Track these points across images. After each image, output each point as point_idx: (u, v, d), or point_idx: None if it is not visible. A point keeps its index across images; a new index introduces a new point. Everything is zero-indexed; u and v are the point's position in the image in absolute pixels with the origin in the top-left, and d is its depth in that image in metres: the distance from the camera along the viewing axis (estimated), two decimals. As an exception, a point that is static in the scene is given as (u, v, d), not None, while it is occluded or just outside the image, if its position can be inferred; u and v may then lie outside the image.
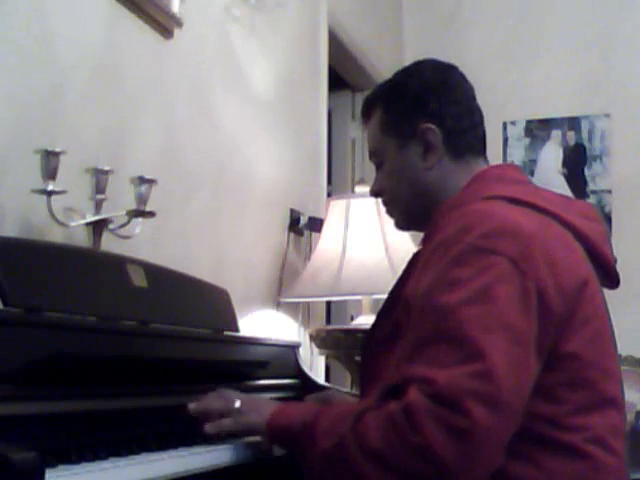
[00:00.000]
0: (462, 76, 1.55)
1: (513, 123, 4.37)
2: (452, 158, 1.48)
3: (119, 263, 1.56)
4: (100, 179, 1.74)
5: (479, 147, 1.52)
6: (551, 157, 4.34)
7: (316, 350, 2.91)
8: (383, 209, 1.56)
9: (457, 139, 1.48)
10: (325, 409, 1.36)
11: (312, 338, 2.84)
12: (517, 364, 1.20)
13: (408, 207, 1.53)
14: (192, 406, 1.41)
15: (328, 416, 1.32)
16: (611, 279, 1.47)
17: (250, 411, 1.41)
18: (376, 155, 1.56)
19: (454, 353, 1.20)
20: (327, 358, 3.16)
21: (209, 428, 1.38)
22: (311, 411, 1.35)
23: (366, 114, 1.57)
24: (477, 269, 1.24)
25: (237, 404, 1.41)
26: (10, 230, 1.61)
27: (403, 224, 1.58)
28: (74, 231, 1.73)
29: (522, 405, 1.21)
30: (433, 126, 1.47)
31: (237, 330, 1.94)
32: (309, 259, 2.91)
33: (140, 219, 1.80)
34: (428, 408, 1.17)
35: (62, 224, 1.67)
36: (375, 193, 1.58)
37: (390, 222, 1.61)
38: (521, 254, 1.26)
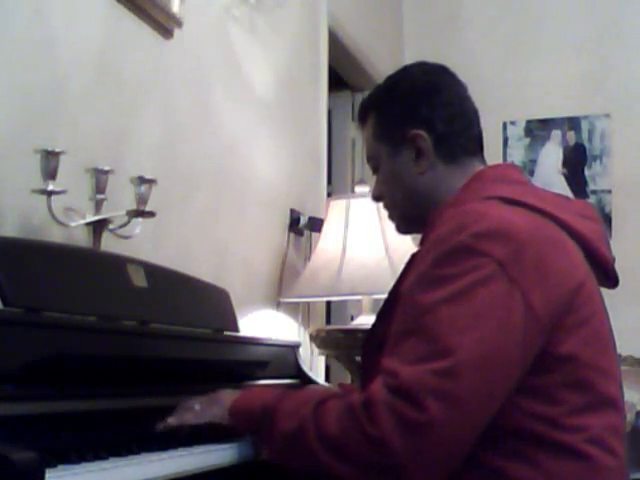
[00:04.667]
0: (452, 77, 1.54)
1: (513, 123, 4.37)
2: (445, 162, 1.48)
3: (119, 263, 1.56)
4: (100, 179, 1.74)
5: (474, 148, 1.51)
6: (551, 157, 4.34)
7: (316, 350, 2.91)
8: (384, 211, 1.56)
9: (449, 142, 1.48)
10: (290, 392, 1.38)
11: (312, 338, 2.84)
12: (486, 366, 1.20)
13: (405, 211, 1.54)
14: (158, 427, 1.38)
15: (292, 399, 1.34)
16: (610, 279, 1.46)
17: (210, 405, 1.42)
18: (372, 160, 1.57)
19: (422, 349, 1.21)
20: (327, 358, 3.16)
21: (170, 420, 1.38)
22: (273, 394, 1.38)
23: (361, 120, 1.58)
24: (463, 269, 1.24)
25: (196, 407, 1.42)
26: (10, 230, 1.61)
27: (403, 228, 1.59)
28: (74, 231, 1.73)
29: (488, 408, 1.21)
30: (422, 132, 1.47)
31: (237, 330, 1.94)
32: (309, 259, 2.91)
33: (140, 219, 1.80)
34: (387, 400, 1.18)
35: (62, 224, 1.67)
36: (375, 198, 1.60)
37: (390, 222, 1.62)
38: (511, 258, 1.25)
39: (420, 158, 1.48)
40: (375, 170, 1.56)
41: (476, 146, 1.52)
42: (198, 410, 1.42)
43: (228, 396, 1.43)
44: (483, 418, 1.22)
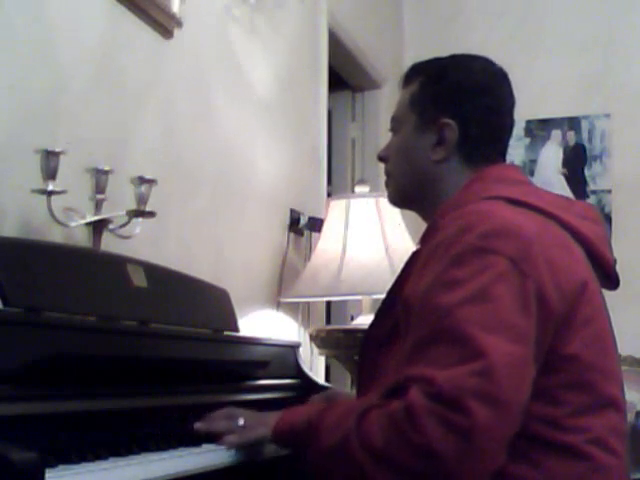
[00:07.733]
0: (509, 87, 1.53)
1: (513, 123, 4.37)
2: (462, 161, 1.48)
3: (119, 263, 1.56)
4: (100, 179, 1.74)
5: (496, 160, 1.50)
6: (551, 157, 4.34)
7: (316, 350, 2.91)
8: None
9: (474, 145, 1.47)
10: (330, 406, 1.37)
11: (312, 338, 2.84)
12: (517, 363, 1.20)
13: (402, 187, 1.54)
14: (197, 425, 1.40)
15: (333, 413, 1.32)
16: (611, 280, 1.46)
17: (255, 425, 1.41)
18: (395, 121, 1.56)
19: (454, 352, 1.20)
20: (327, 358, 3.16)
21: (227, 442, 1.37)
22: (316, 409, 1.37)
23: (405, 80, 1.55)
24: (476, 269, 1.24)
25: (241, 422, 1.41)
26: (10, 230, 1.61)
27: (394, 199, 1.59)
28: (74, 231, 1.73)
29: (522, 403, 1.21)
30: (453, 123, 1.46)
31: (237, 330, 1.94)
32: (309, 259, 2.91)
33: (140, 219, 1.81)
34: (429, 408, 1.17)
35: (62, 224, 1.67)
36: (380, 158, 1.58)
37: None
38: (520, 254, 1.26)
39: (439, 146, 1.48)
40: (394, 131, 1.56)
41: (499, 158, 1.51)
42: (243, 428, 1.40)
43: (272, 417, 1.42)
44: (520, 414, 1.21)
